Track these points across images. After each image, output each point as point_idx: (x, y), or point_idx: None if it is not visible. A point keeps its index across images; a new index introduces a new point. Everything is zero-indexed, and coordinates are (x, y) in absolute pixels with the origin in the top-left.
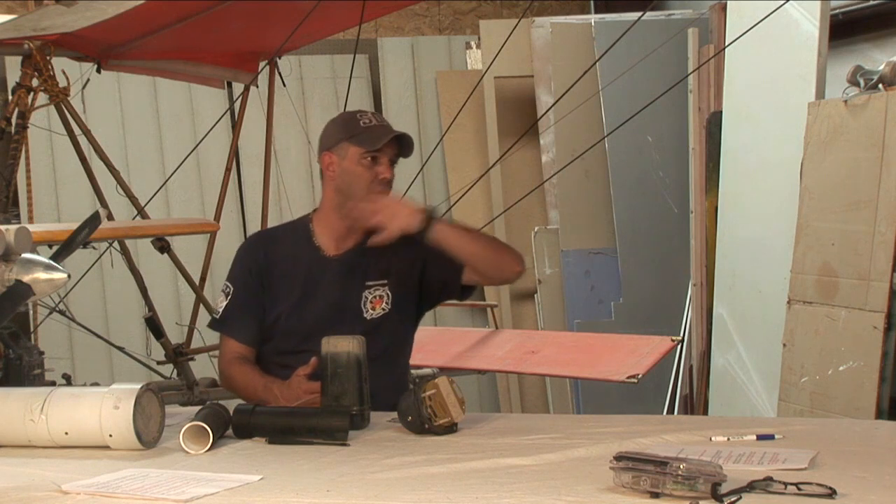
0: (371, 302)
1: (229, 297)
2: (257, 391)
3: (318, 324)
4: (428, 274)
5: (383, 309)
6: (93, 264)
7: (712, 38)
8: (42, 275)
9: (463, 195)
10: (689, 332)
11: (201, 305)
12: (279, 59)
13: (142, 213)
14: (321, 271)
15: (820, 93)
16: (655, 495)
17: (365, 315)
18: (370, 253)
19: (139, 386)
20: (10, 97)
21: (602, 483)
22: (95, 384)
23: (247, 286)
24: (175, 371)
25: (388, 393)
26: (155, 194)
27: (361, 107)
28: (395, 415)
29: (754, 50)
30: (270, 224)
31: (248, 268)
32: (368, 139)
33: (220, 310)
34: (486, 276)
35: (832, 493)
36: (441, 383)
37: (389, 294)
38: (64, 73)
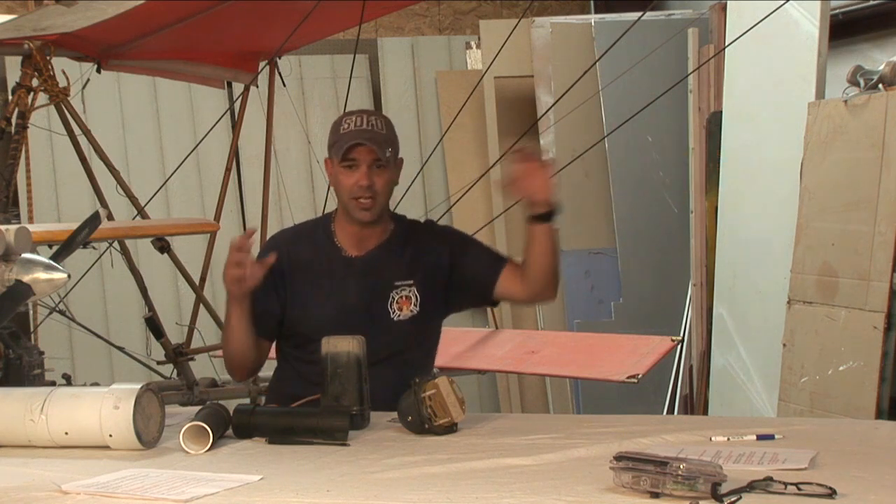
0: (398, 303)
1: None
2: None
3: (343, 323)
4: (456, 276)
5: (411, 311)
6: (93, 264)
7: (712, 38)
8: (42, 275)
9: (463, 195)
10: (689, 332)
11: (201, 305)
12: (279, 59)
13: (142, 213)
14: (345, 272)
15: (820, 93)
16: (655, 495)
17: (392, 317)
18: (395, 252)
19: (139, 386)
20: (10, 97)
21: (602, 483)
22: (95, 384)
23: (263, 283)
24: (175, 371)
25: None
26: (155, 194)
27: (361, 107)
28: (395, 415)
29: (754, 50)
30: (270, 224)
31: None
32: (338, 148)
33: None
34: (531, 292)
35: (832, 493)
36: (441, 383)
37: (417, 295)
38: (64, 73)
